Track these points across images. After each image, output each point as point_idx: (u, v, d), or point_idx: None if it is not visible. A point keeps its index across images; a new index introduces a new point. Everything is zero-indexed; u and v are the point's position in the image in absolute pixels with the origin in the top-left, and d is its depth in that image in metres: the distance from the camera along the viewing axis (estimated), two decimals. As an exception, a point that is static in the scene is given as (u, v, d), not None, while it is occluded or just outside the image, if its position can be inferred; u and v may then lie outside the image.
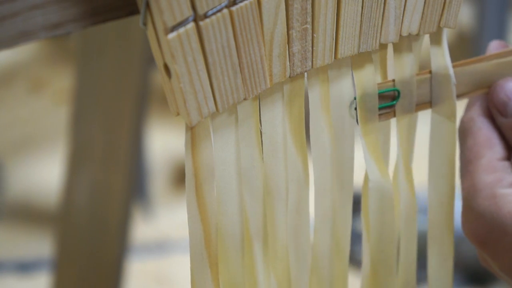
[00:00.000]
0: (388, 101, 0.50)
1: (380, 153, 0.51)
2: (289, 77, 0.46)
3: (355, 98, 0.49)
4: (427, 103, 0.53)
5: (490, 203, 0.50)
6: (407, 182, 0.53)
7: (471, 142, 0.52)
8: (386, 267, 0.52)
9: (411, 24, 0.50)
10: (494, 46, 0.55)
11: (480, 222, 0.51)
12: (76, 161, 1.23)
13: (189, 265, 0.46)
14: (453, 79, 0.52)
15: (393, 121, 0.53)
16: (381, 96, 0.50)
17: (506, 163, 0.52)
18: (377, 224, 0.51)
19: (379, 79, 0.51)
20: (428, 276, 0.55)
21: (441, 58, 0.52)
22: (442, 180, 0.54)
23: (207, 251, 0.46)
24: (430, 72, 0.52)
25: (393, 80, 0.50)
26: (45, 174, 1.77)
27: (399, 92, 0.50)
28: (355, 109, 0.49)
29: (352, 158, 0.51)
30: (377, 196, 0.51)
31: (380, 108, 0.50)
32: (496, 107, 0.52)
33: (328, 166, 0.50)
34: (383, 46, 0.50)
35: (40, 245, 1.58)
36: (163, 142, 1.85)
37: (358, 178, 0.52)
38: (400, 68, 0.51)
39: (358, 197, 0.53)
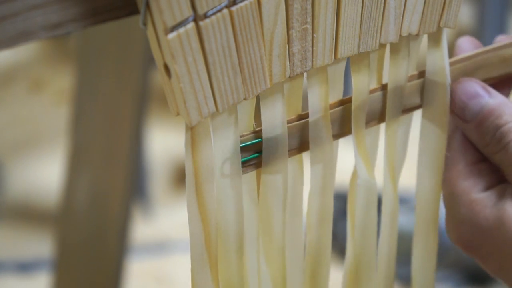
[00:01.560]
0: (251, 154, 0.47)
1: (367, 152, 0.51)
2: (289, 77, 0.46)
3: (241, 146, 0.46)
4: (416, 106, 0.53)
5: (467, 209, 0.51)
6: (391, 183, 0.53)
7: (446, 148, 0.52)
8: (368, 262, 0.53)
9: (411, 24, 0.50)
10: (465, 45, 0.55)
11: (461, 229, 0.51)
12: (76, 161, 1.23)
13: (189, 265, 0.46)
14: (449, 80, 0.52)
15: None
16: (245, 148, 0.47)
17: (480, 166, 0.52)
18: (362, 220, 0.52)
19: (374, 80, 0.51)
20: (412, 271, 0.56)
21: (439, 59, 0.52)
22: (430, 179, 0.54)
23: (207, 251, 0.46)
24: (423, 75, 0.52)
25: (257, 131, 0.47)
26: (45, 174, 1.77)
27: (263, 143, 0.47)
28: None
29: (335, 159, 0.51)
30: (364, 193, 0.51)
31: (245, 161, 0.47)
32: (455, 113, 0.52)
33: (326, 165, 0.50)
34: (382, 46, 0.50)
35: (40, 245, 1.58)
36: (163, 142, 1.85)
37: (347, 178, 0.52)
38: (395, 69, 0.51)
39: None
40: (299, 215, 0.50)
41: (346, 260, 0.54)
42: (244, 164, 0.47)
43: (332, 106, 0.49)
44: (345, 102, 0.50)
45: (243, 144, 0.46)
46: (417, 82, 0.52)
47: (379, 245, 0.54)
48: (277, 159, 0.47)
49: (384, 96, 0.51)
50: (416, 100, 0.53)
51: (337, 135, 0.50)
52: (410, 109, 0.53)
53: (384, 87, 0.51)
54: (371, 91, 0.51)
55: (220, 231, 0.47)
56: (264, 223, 0.49)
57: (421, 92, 0.53)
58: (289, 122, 0.48)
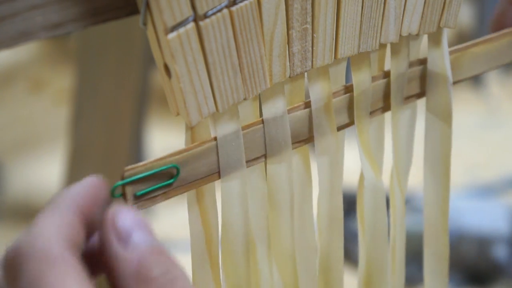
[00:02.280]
0: (164, 180, 0.43)
1: (373, 153, 0.51)
2: (289, 77, 0.46)
3: (118, 185, 0.41)
4: (417, 94, 0.53)
5: None
6: (398, 182, 0.53)
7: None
8: (380, 265, 0.53)
9: (411, 24, 0.50)
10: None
11: None
12: (76, 161, 1.23)
13: (189, 265, 0.46)
14: (450, 80, 0.52)
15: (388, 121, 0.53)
16: (158, 174, 0.42)
17: None
18: (371, 223, 0.52)
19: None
20: (424, 275, 0.56)
21: (440, 59, 0.52)
22: (437, 180, 0.54)
23: (208, 251, 0.46)
24: (422, 62, 0.52)
25: (170, 156, 0.43)
26: (45, 174, 1.77)
27: (178, 169, 0.43)
28: (119, 195, 0.41)
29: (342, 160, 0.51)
30: (371, 195, 0.51)
31: (156, 189, 0.43)
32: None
33: (332, 166, 0.50)
34: (382, 46, 0.50)
35: (40, 245, 1.57)
36: (163, 142, 1.85)
37: (354, 178, 0.52)
38: (396, 67, 0.51)
39: (354, 197, 0.53)
40: (310, 218, 0.50)
41: (359, 264, 0.53)
42: (152, 193, 0.43)
43: (336, 95, 0.49)
44: (349, 91, 0.50)
45: (153, 171, 0.42)
46: (417, 70, 0.52)
47: (390, 248, 0.54)
48: (281, 152, 0.47)
49: (388, 89, 0.51)
50: (417, 88, 0.53)
51: (341, 126, 0.50)
52: (411, 97, 0.53)
53: (387, 81, 0.51)
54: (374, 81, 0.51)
55: (225, 234, 0.46)
56: (272, 225, 0.49)
57: (420, 81, 0.53)
58: (292, 110, 0.47)
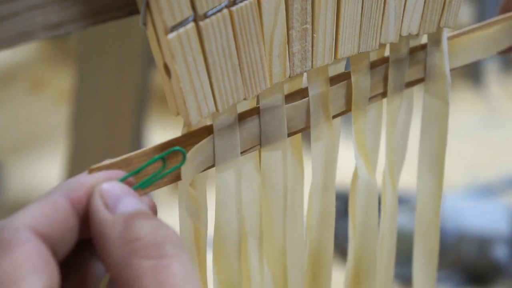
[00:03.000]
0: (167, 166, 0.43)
1: (367, 151, 0.51)
2: (289, 77, 0.46)
3: None
4: (417, 80, 0.53)
5: None
6: (390, 177, 0.53)
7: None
8: (369, 262, 0.53)
9: (411, 24, 0.50)
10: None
11: None
12: (76, 161, 1.23)
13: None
14: (449, 80, 0.52)
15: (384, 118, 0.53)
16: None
17: None
18: (362, 220, 0.52)
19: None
20: (413, 272, 0.56)
21: (439, 59, 0.52)
22: (431, 177, 0.54)
23: (196, 246, 0.46)
24: (423, 47, 0.52)
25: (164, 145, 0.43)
26: (45, 174, 1.77)
27: (183, 152, 0.43)
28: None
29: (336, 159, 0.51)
30: (364, 193, 0.51)
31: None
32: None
33: (327, 165, 0.50)
34: (382, 46, 0.50)
35: (40, 245, 1.57)
36: (163, 142, 1.85)
37: (348, 178, 0.52)
38: (395, 69, 0.51)
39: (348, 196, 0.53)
40: (300, 213, 0.50)
41: (348, 261, 0.54)
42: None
43: (333, 83, 0.49)
44: (347, 77, 0.50)
45: (157, 157, 0.43)
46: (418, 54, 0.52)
47: (379, 245, 0.54)
48: (276, 141, 0.47)
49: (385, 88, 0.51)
50: (419, 74, 0.53)
51: (336, 115, 0.50)
52: (412, 83, 0.53)
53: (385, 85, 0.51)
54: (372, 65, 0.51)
55: (218, 230, 0.47)
56: (265, 219, 0.49)
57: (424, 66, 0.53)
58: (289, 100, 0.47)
